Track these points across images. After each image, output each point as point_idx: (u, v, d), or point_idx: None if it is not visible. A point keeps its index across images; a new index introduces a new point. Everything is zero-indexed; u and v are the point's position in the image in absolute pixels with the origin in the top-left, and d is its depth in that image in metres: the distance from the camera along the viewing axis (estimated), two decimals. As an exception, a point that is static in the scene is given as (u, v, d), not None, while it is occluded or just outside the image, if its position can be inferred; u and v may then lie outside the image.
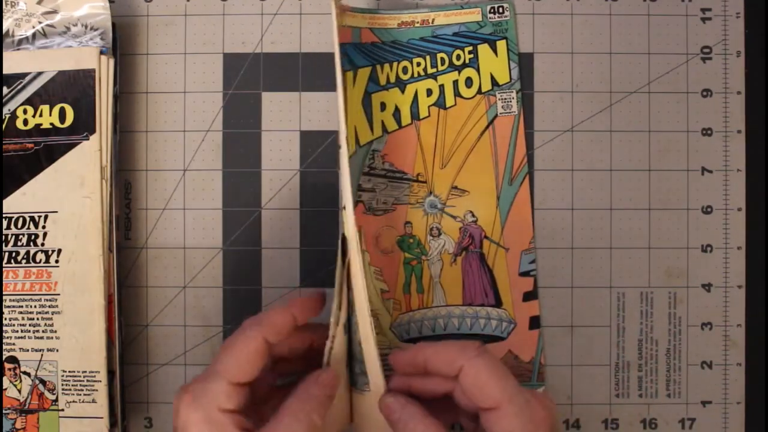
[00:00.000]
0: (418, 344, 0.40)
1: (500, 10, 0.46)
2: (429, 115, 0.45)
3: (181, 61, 0.46)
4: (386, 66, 0.45)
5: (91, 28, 0.44)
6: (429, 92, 0.45)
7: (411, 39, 0.45)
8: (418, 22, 0.45)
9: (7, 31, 0.44)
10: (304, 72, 0.46)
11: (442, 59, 0.45)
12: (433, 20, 0.45)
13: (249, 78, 0.46)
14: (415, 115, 0.45)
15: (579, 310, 0.46)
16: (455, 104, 0.45)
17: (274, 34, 0.46)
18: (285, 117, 0.46)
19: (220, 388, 0.35)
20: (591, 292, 0.46)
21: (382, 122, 0.45)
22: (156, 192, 0.46)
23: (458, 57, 0.45)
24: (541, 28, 0.47)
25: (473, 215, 0.45)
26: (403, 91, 0.45)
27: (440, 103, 0.45)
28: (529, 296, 0.45)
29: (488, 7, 0.46)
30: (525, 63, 0.46)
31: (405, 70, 0.45)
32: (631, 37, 0.47)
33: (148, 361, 0.46)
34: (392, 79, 0.45)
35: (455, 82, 0.45)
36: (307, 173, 0.46)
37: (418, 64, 0.45)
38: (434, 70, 0.45)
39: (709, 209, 0.46)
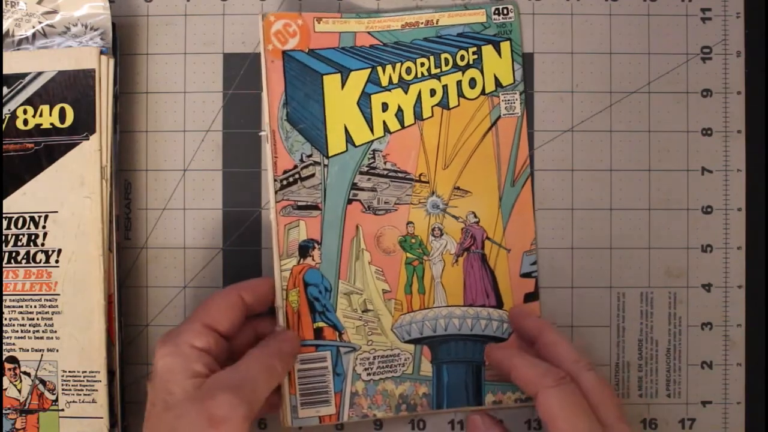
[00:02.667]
0: (510, 350, 0.42)
1: (505, 11, 0.46)
2: (432, 116, 0.45)
3: (181, 61, 0.46)
4: (388, 67, 0.45)
5: (91, 28, 0.44)
6: (432, 92, 0.45)
7: (415, 39, 0.45)
8: (422, 23, 0.45)
9: (7, 31, 0.44)
10: (304, 72, 0.46)
11: (446, 60, 0.45)
12: (437, 21, 0.45)
13: (249, 78, 0.46)
14: (418, 115, 0.45)
15: (579, 310, 0.46)
16: (458, 105, 0.45)
17: (274, 34, 0.46)
18: (285, 117, 0.46)
19: (192, 327, 0.38)
20: (591, 292, 0.46)
21: (384, 122, 0.45)
22: (156, 192, 0.46)
23: (462, 57, 0.45)
24: (541, 28, 0.47)
25: (475, 216, 0.45)
26: (406, 92, 0.45)
27: (444, 104, 0.45)
28: (531, 297, 0.45)
29: (493, 9, 0.46)
30: (525, 63, 0.46)
31: (408, 70, 0.45)
32: (631, 37, 0.47)
33: (148, 361, 0.46)
34: (395, 80, 0.45)
35: (459, 83, 0.45)
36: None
37: (422, 65, 0.45)
38: (438, 70, 0.45)
39: (709, 209, 0.46)
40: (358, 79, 0.45)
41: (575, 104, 0.47)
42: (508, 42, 0.46)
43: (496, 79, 0.46)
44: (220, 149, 0.46)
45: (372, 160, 0.45)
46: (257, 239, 0.46)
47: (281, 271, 0.43)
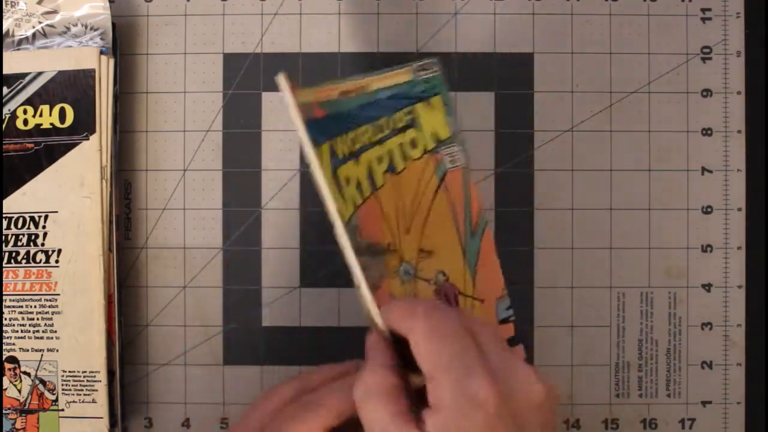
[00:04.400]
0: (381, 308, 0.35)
1: (427, 67, 0.44)
2: (385, 183, 0.43)
3: (181, 61, 0.46)
4: (338, 139, 0.42)
5: (91, 28, 0.44)
6: (379, 160, 0.43)
7: (351, 108, 0.43)
8: (355, 90, 0.43)
9: (7, 31, 0.44)
10: (304, 72, 0.46)
11: (385, 124, 0.44)
12: (368, 86, 0.43)
13: (249, 78, 0.46)
14: (373, 186, 0.43)
15: (579, 310, 0.46)
16: (406, 167, 0.44)
17: (274, 34, 0.46)
18: (285, 117, 0.46)
19: None
20: (591, 292, 0.46)
21: (352, 197, 0.42)
22: (156, 192, 0.46)
23: (399, 120, 0.44)
24: (541, 28, 0.47)
25: (444, 274, 0.44)
26: (357, 163, 0.43)
27: (392, 169, 0.43)
28: (513, 342, 0.44)
29: (416, 65, 0.44)
30: (525, 63, 0.46)
31: (354, 140, 0.43)
32: (631, 37, 0.47)
33: (148, 361, 0.46)
34: (346, 152, 0.42)
35: (401, 145, 0.44)
36: (307, 173, 0.46)
37: (364, 133, 0.43)
38: (380, 135, 0.43)
39: (709, 209, 0.46)
40: (326, 152, 0.41)
41: (575, 104, 0.47)
42: (438, 96, 0.44)
43: (434, 135, 0.44)
44: (220, 149, 0.46)
45: (356, 238, 0.42)
46: (257, 239, 0.46)
47: None
